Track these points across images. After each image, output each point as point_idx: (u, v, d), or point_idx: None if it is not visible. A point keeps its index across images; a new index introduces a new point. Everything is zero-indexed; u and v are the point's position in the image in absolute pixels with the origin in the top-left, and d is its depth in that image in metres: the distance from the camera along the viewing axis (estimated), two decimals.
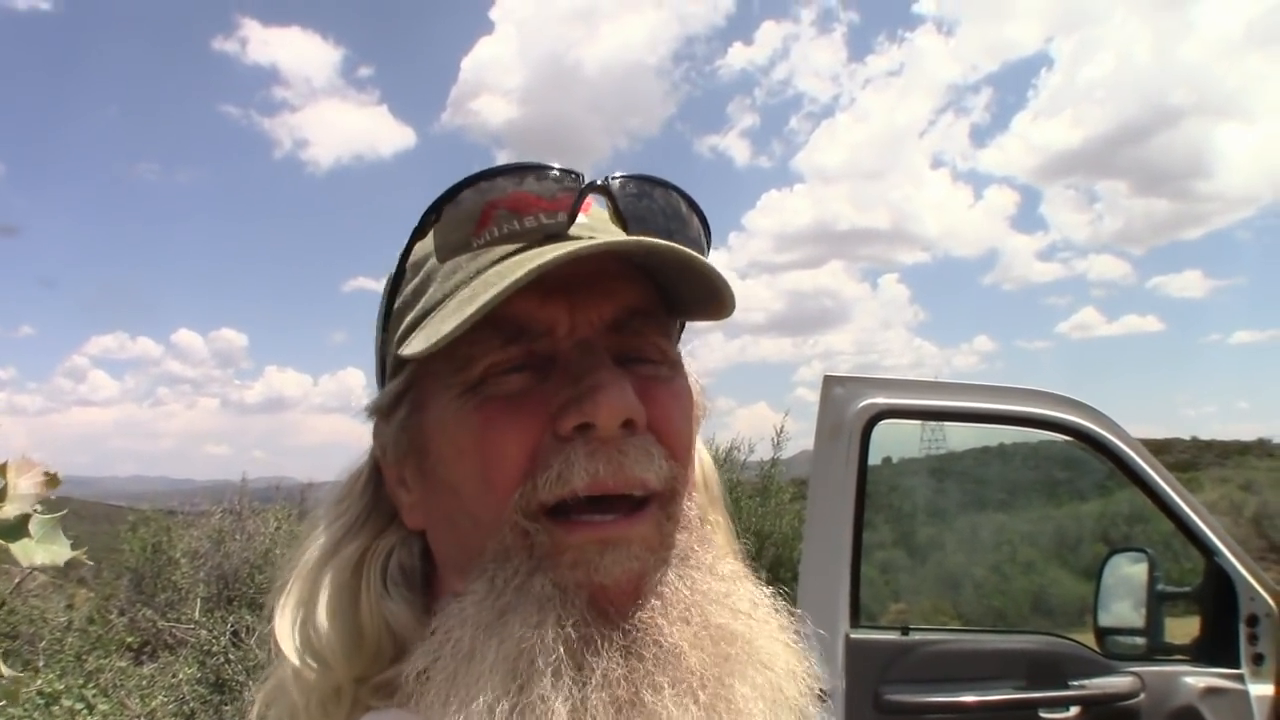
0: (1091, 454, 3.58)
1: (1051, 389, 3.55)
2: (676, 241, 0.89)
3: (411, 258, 0.93)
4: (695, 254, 0.85)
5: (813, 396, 3.56)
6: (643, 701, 0.78)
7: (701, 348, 0.98)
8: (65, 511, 1.02)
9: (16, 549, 0.97)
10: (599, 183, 0.90)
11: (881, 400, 3.48)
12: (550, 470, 0.82)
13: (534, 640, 0.78)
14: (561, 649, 0.78)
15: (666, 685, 0.79)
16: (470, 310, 0.79)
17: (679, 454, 0.89)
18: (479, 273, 0.85)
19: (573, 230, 0.88)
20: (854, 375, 3.51)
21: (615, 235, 0.88)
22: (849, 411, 3.45)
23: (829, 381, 3.50)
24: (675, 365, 0.94)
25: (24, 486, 1.00)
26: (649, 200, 0.92)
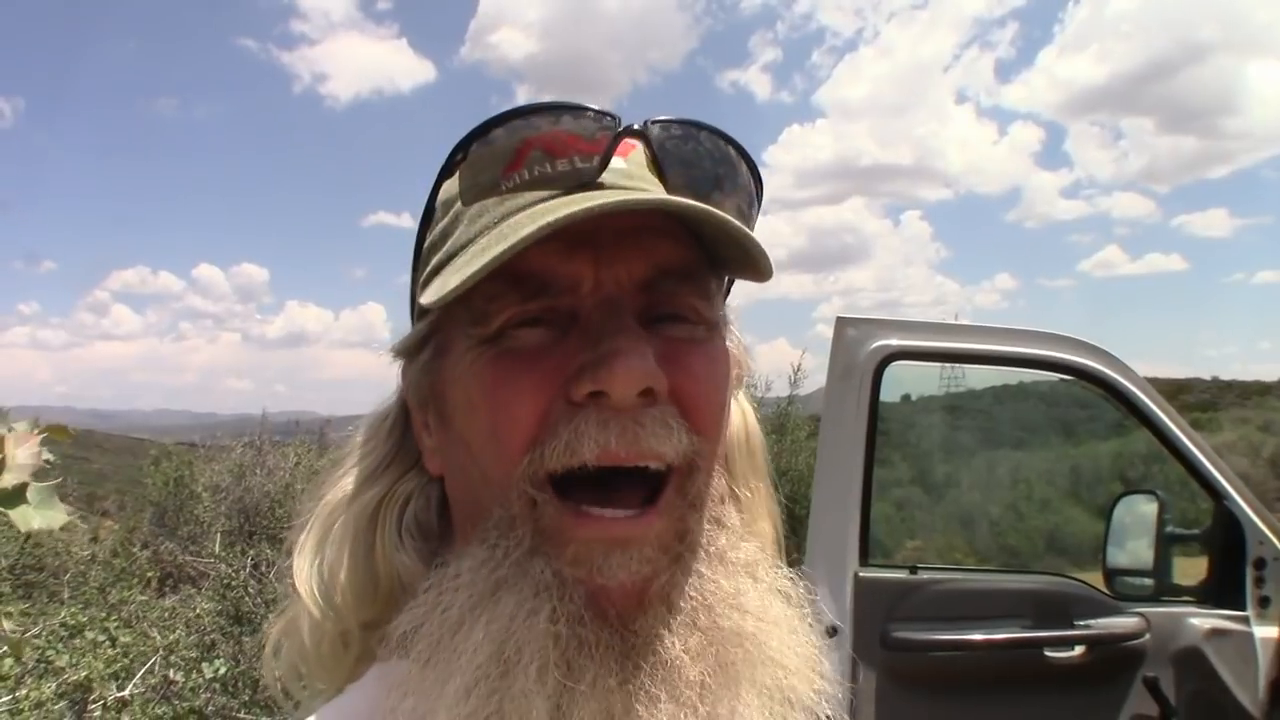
0: (1102, 396, 3.58)
1: (1068, 329, 3.54)
2: (725, 189, 0.86)
3: (441, 196, 0.89)
4: (728, 217, 0.79)
5: (831, 334, 3.54)
6: (635, 713, 0.74)
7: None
8: (60, 480, 1.05)
9: (15, 515, 1.00)
10: (635, 127, 0.84)
11: (894, 342, 3.46)
12: (559, 439, 0.77)
13: (525, 628, 0.74)
14: (552, 645, 0.74)
15: (663, 698, 0.75)
16: (481, 263, 0.74)
17: (703, 426, 0.83)
18: (502, 219, 0.80)
19: (606, 177, 0.82)
20: (866, 317, 3.49)
21: (648, 186, 0.84)
22: (861, 353, 3.43)
23: (841, 323, 3.48)
24: (713, 327, 0.88)
25: (21, 457, 1.01)
26: (695, 143, 0.87)
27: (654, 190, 0.83)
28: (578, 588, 0.76)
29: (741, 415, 1.00)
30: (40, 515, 1.00)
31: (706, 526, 0.84)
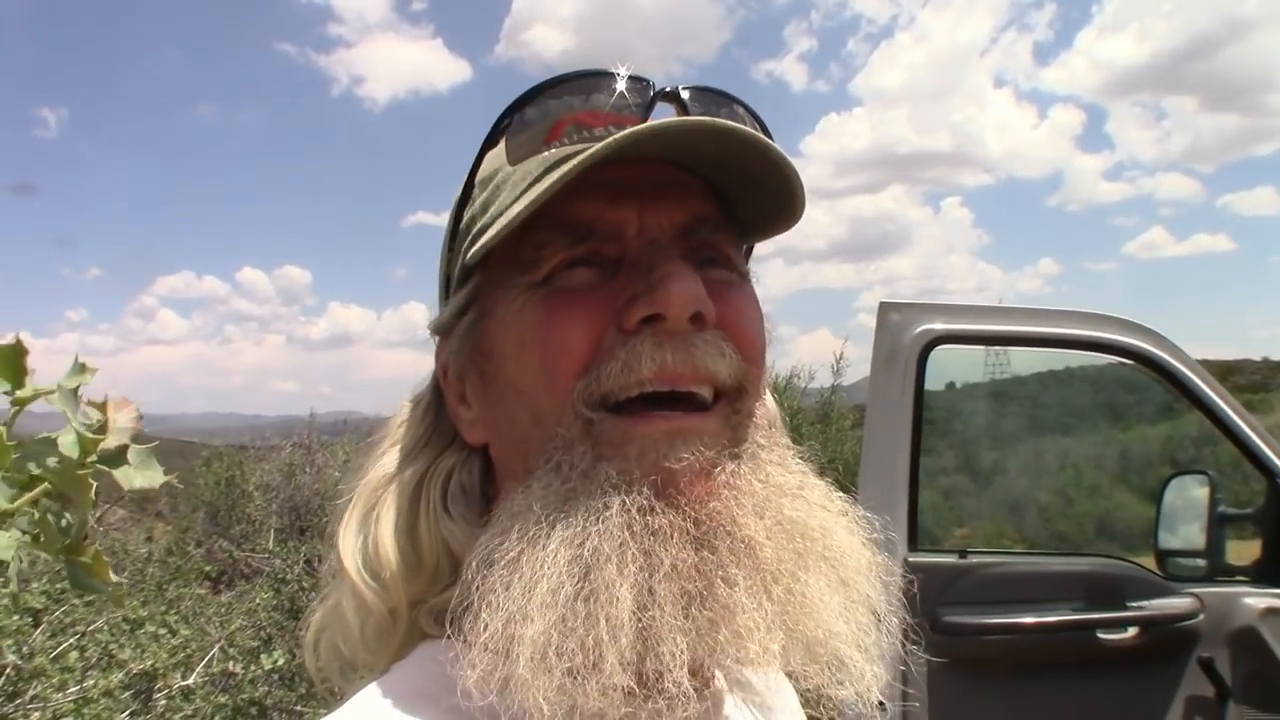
0: (1152, 377, 3.54)
1: (1114, 311, 3.50)
2: None
3: (480, 173, 0.92)
4: (770, 141, 0.83)
5: (874, 322, 3.52)
6: (715, 594, 0.76)
7: (763, 275, 0.91)
8: (157, 442, 1.11)
9: (118, 475, 1.06)
10: (668, 90, 0.87)
11: (938, 326, 3.43)
12: (615, 360, 0.81)
13: (600, 526, 0.76)
14: (629, 535, 0.76)
15: (741, 579, 0.77)
16: (534, 194, 0.79)
17: (750, 354, 0.87)
18: (553, 166, 0.83)
19: None
20: (910, 301, 3.47)
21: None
22: (905, 337, 3.41)
23: (885, 308, 3.46)
24: (745, 275, 0.93)
25: (122, 421, 1.09)
26: (728, 106, 0.90)
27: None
28: (645, 480, 0.79)
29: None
30: (140, 475, 1.06)
31: (760, 439, 0.88)
